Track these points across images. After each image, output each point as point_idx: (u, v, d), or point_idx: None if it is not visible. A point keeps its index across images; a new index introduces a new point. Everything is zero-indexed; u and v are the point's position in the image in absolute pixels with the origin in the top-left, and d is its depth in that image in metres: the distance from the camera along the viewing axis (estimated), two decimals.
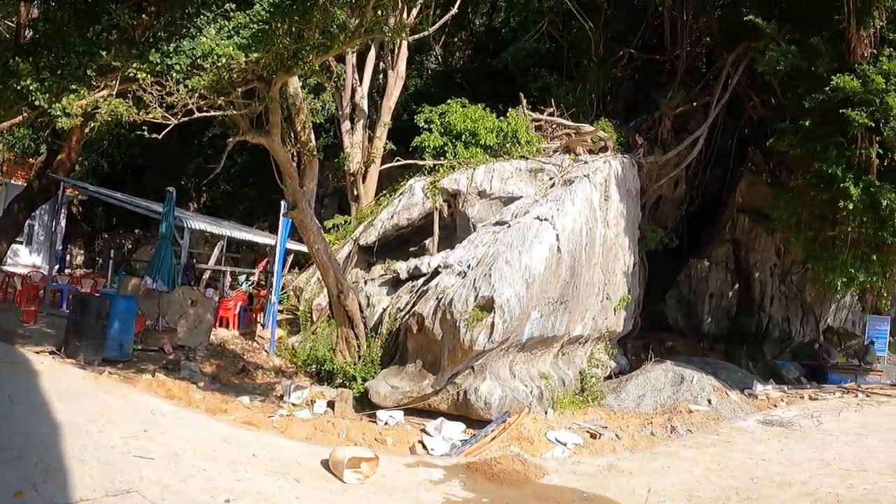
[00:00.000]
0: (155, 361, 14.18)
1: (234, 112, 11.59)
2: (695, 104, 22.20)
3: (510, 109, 19.64)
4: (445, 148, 19.03)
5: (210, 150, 27.90)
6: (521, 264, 14.17)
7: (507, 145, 18.99)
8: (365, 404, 13.70)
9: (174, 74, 10.49)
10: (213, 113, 11.28)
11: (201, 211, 29.39)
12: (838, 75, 16.01)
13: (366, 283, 17.82)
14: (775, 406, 17.03)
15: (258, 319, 19.08)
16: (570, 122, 20.24)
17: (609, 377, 18.37)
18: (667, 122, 22.12)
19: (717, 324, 24.69)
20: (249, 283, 20.31)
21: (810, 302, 24.50)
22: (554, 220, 15.48)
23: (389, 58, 23.12)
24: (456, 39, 31.73)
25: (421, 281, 16.27)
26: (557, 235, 15.29)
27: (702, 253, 24.94)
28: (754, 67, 19.09)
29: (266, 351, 16.76)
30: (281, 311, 18.20)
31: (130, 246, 28.26)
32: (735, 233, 24.40)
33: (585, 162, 18.39)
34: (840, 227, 16.50)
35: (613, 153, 19.35)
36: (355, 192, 22.34)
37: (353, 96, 22.61)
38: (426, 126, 19.43)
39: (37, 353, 12.22)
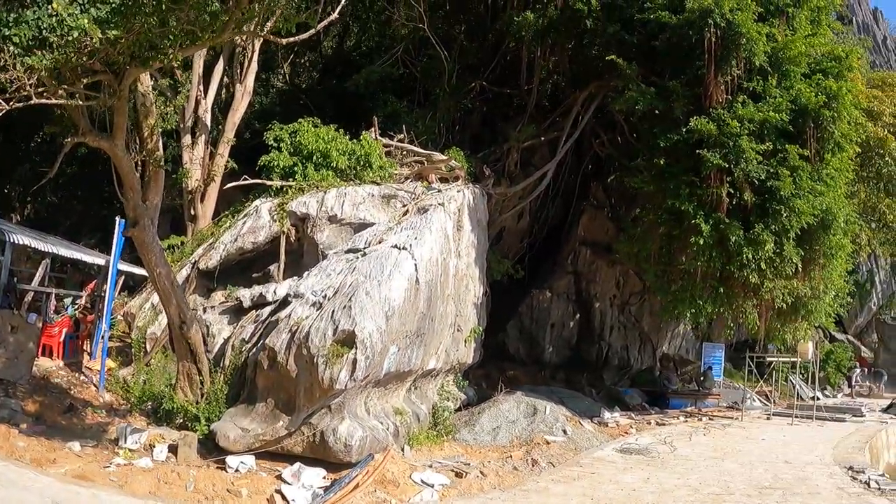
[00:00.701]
0: None
1: (77, 102, 10.00)
2: (542, 139, 22.67)
3: (363, 133, 19.01)
4: (295, 169, 18.02)
5: (38, 155, 25.65)
6: (381, 296, 13.48)
7: (359, 169, 18.34)
8: (211, 448, 12.33)
9: (11, 48, 8.88)
10: (52, 101, 9.63)
11: (24, 223, 26.24)
12: (695, 118, 16.97)
13: (205, 310, 16.39)
14: (627, 433, 17.50)
15: (85, 348, 17.00)
16: (421, 150, 20.05)
17: (459, 409, 18.08)
18: (515, 155, 22.49)
19: (558, 353, 25.26)
20: (76, 306, 18.05)
21: (647, 330, 25.75)
22: (412, 250, 14.97)
23: (238, 71, 21.82)
24: (303, 60, 30.82)
25: (267, 310, 15.17)
26: (416, 265, 14.78)
27: (544, 284, 25.47)
28: (607, 106, 19.73)
29: (95, 385, 14.87)
30: (111, 339, 16.28)
31: None
32: (577, 264, 25.22)
33: (439, 190, 18.15)
34: (689, 261, 17.31)
35: (465, 183, 19.23)
36: (193, 212, 20.72)
37: (196, 108, 21.02)
38: (275, 145, 18.33)
39: None
